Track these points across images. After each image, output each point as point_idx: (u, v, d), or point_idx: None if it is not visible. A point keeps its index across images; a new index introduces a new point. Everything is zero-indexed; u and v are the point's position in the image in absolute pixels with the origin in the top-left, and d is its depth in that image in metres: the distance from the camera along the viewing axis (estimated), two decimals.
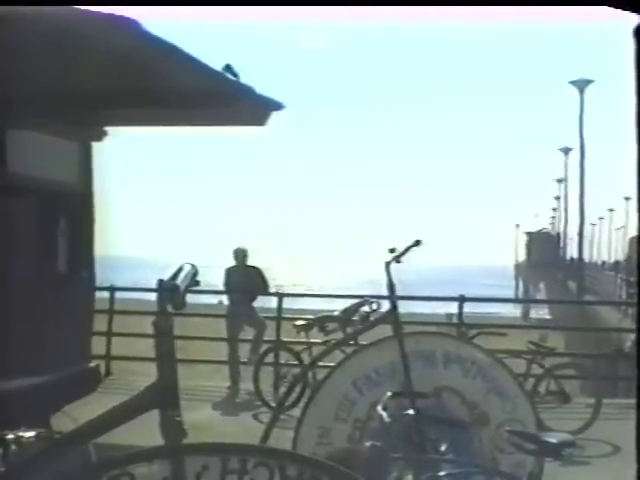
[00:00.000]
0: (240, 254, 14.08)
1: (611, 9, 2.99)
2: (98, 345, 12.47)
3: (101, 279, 11.28)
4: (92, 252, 9.52)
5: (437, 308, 14.28)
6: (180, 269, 2.80)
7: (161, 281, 2.72)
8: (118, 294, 15.49)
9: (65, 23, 6.23)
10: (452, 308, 14.40)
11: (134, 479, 2.74)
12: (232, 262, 14.20)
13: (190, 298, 2.78)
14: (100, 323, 13.54)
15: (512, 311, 41.72)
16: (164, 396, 2.75)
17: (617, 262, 64.66)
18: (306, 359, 11.55)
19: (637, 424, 3.01)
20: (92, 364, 9.24)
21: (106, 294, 14.92)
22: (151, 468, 2.75)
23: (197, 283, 2.83)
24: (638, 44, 2.85)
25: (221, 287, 14.60)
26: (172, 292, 2.69)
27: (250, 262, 14.16)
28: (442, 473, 5.00)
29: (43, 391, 3.29)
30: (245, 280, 13.89)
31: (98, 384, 8.45)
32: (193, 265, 2.86)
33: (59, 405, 3.36)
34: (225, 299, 15.18)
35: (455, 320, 13.50)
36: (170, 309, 2.72)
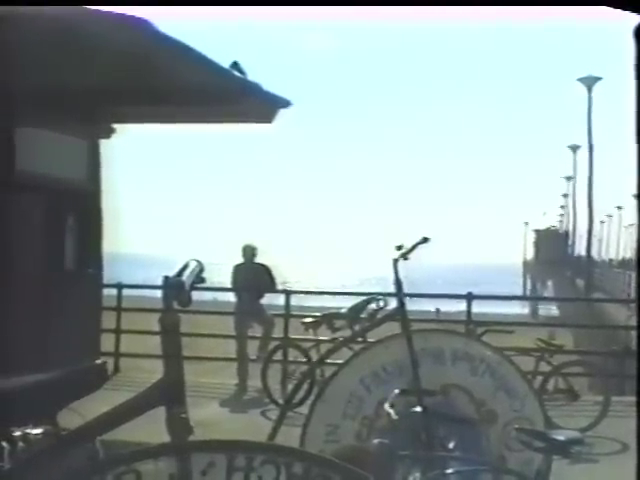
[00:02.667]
0: (249, 251, 14.04)
1: (611, 9, 2.97)
2: (107, 342, 12.50)
3: (109, 276, 11.28)
4: (100, 249, 9.53)
5: (445, 306, 14.30)
6: (186, 266, 2.79)
7: (167, 278, 2.72)
8: (127, 291, 15.52)
9: (74, 22, 6.24)
10: (461, 306, 14.36)
11: (140, 476, 2.73)
12: (239, 259, 14.18)
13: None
14: (109, 320, 13.56)
15: (520, 309, 41.59)
16: (170, 393, 2.74)
17: (625, 259, 64.53)
18: (314, 356, 11.54)
19: (638, 422, 2.99)
20: (99, 361, 9.25)
21: (114, 291, 14.96)
22: (157, 465, 2.74)
23: (203, 280, 2.82)
24: (638, 44, 2.82)
25: (224, 284, 14.58)
26: (177, 289, 2.69)
27: (258, 259, 14.14)
28: (450, 470, 5.00)
29: (50, 388, 3.29)
30: (253, 277, 13.86)
31: (105, 381, 8.48)
32: (199, 262, 2.85)
33: (66, 402, 3.36)
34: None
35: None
36: (176, 306, 2.71)
